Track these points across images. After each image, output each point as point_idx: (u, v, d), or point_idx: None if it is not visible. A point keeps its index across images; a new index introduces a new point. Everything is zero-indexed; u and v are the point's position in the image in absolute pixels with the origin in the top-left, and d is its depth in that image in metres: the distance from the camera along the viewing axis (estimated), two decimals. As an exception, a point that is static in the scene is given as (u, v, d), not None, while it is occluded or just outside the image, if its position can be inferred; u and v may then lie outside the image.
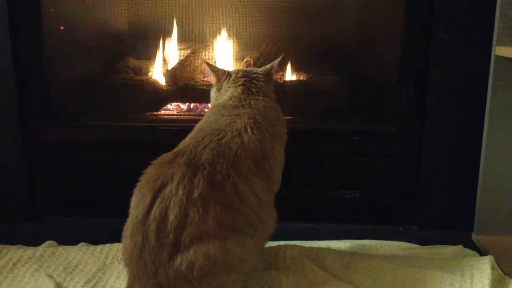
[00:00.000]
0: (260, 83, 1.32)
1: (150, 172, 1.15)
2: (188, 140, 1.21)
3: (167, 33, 1.87)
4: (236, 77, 1.33)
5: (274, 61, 1.37)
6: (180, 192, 1.09)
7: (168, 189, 1.10)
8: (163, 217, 1.08)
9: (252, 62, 1.83)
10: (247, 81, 1.32)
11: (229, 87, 1.33)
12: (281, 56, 1.41)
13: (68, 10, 1.75)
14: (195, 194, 1.09)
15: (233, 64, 1.86)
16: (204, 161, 1.14)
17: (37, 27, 1.61)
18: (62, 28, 1.73)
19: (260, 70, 1.36)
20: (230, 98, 1.30)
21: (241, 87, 1.31)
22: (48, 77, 1.66)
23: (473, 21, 1.50)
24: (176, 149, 1.20)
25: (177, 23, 1.85)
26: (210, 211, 1.09)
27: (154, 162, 1.17)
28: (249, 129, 1.20)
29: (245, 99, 1.29)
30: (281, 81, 1.82)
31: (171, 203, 1.09)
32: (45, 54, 1.64)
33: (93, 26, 1.83)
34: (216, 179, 1.12)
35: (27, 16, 1.59)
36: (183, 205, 1.08)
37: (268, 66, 1.37)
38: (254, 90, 1.31)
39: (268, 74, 1.35)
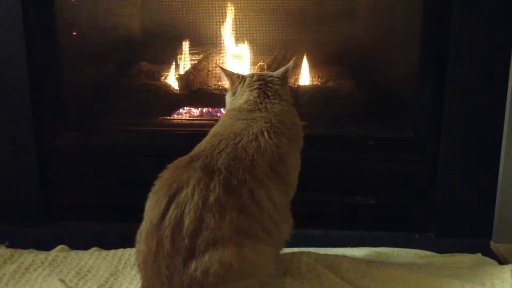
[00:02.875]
0: (276, 86, 1.30)
1: (165, 176, 1.13)
2: (203, 144, 1.19)
3: (180, 38, 1.86)
4: (251, 81, 1.32)
5: (288, 64, 1.36)
6: (195, 196, 1.07)
7: (183, 193, 1.08)
8: (179, 221, 1.06)
9: (265, 66, 1.81)
10: (262, 84, 1.30)
11: (244, 91, 1.31)
12: (293, 59, 1.39)
13: (81, 15, 1.75)
14: (211, 199, 1.07)
15: (247, 69, 1.84)
16: (220, 166, 1.12)
17: (51, 32, 1.61)
18: (75, 33, 1.73)
19: (275, 73, 1.34)
20: (246, 102, 1.28)
21: (257, 90, 1.29)
22: (61, 81, 1.65)
23: (492, 25, 1.47)
24: (191, 153, 1.18)
25: (190, 27, 1.84)
26: (226, 217, 1.07)
27: (169, 166, 1.15)
28: (265, 133, 1.19)
29: (261, 103, 1.27)
30: (295, 86, 1.81)
31: (187, 207, 1.07)
32: (58, 58, 1.63)
33: (106, 31, 1.83)
34: (232, 184, 1.10)
35: (41, 21, 1.59)
36: (199, 210, 1.06)
37: (282, 69, 1.35)
38: (270, 93, 1.29)
39: (283, 78, 1.33)
